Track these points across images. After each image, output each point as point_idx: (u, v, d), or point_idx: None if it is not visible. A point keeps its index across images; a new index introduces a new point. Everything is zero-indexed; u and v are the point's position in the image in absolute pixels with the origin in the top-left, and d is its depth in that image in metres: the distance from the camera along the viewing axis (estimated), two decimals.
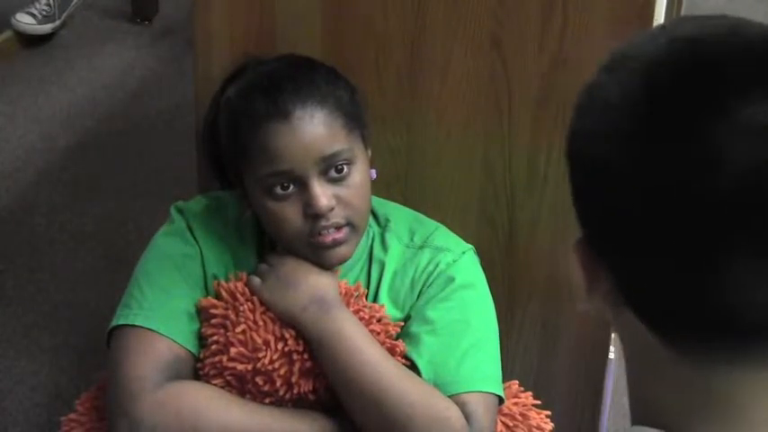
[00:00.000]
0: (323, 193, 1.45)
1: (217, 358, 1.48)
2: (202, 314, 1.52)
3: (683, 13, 3.35)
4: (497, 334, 1.57)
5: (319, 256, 1.49)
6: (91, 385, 1.67)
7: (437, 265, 1.56)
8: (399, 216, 1.63)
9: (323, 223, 1.46)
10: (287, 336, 1.47)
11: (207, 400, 1.46)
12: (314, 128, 1.45)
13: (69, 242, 2.80)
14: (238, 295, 1.50)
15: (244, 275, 1.53)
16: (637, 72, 0.72)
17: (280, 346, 1.46)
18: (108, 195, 2.97)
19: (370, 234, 1.59)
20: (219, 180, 1.62)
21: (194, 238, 1.56)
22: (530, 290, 1.78)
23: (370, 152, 1.55)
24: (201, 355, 1.50)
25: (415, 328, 1.52)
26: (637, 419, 0.79)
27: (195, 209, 1.59)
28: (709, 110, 0.67)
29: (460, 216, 1.73)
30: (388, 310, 1.55)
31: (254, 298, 1.50)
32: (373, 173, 1.54)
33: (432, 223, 1.63)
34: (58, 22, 3.72)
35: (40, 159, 3.13)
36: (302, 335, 1.47)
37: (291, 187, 1.46)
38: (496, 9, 1.62)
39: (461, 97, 1.68)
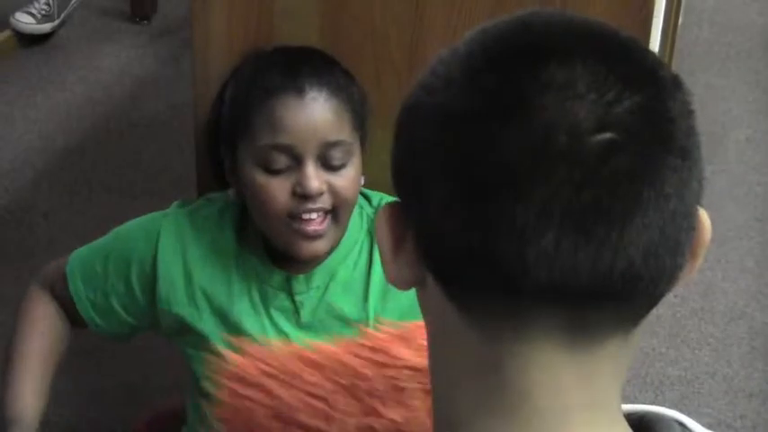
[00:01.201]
0: (316, 176, 1.46)
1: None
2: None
3: (681, 11, 3.35)
4: None
5: (295, 244, 1.49)
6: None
7: None
8: (388, 198, 1.64)
9: (309, 205, 1.46)
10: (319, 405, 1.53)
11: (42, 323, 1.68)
12: (325, 112, 1.46)
13: (68, 242, 2.78)
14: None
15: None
16: (468, 41, 0.74)
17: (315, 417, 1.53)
18: (106, 195, 2.97)
19: (364, 215, 1.59)
20: (214, 170, 1.62)
21: (157, 245, 1.59)
22: None
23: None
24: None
25: None
26: (436, 427, 0.76)
27: (181, 215, 1.61)
28: (523, 69, 0.69)
29: None
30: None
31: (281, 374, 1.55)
32: (362, 179, 1.55)
33: None
34: (56, 22, 3.72)
35: (39, 159, 3.13)
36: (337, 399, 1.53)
37: (287, 163, 1.46)
38: (495, 9, 1.61)
39: None
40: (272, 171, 1.46)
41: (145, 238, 1.60)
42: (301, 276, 1.54)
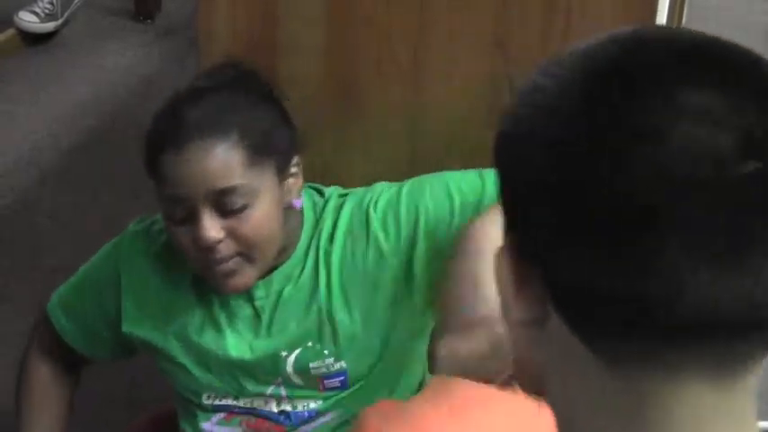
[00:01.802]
0: (211, 226, 1.41)
1: None
2: None
3: (685, 11, 3.35)
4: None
5: (216, 284, 1.48)
6: None
7: (363, 207, 1.53)
8: (339, 190, 1.59)
9: (215, 255, 1.43)
10: None
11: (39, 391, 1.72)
12: (207, 161, 1.42)
13: (72, 241, 2.80)
14: None
15: None
16: (575, 66, 0.70)
17: None
18: (110, 194, 2.97)
19: (317, 209, 1.55)
20: None
21: (119, 267, 1.60)
22: None
23: (300, 180, 1.50)
24: None
25: (426, 243, 1.48)
26: None
27: (138, 234, 1.63)
28: (651, 92, 0.66)
29: None
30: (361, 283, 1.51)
31: None
32: (297, 203, 1.51)
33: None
34: (60, 21, 3.72)
35: (43, 158, 3.13)
36: None
37: (184, 214, 1.44)
38: (499, 10, 1.62)
39: (464, 97, 1.68)
40: (177, 221, 1.45)
41: (108, 266, 1.62)
42: (260, 282, 1.52)
